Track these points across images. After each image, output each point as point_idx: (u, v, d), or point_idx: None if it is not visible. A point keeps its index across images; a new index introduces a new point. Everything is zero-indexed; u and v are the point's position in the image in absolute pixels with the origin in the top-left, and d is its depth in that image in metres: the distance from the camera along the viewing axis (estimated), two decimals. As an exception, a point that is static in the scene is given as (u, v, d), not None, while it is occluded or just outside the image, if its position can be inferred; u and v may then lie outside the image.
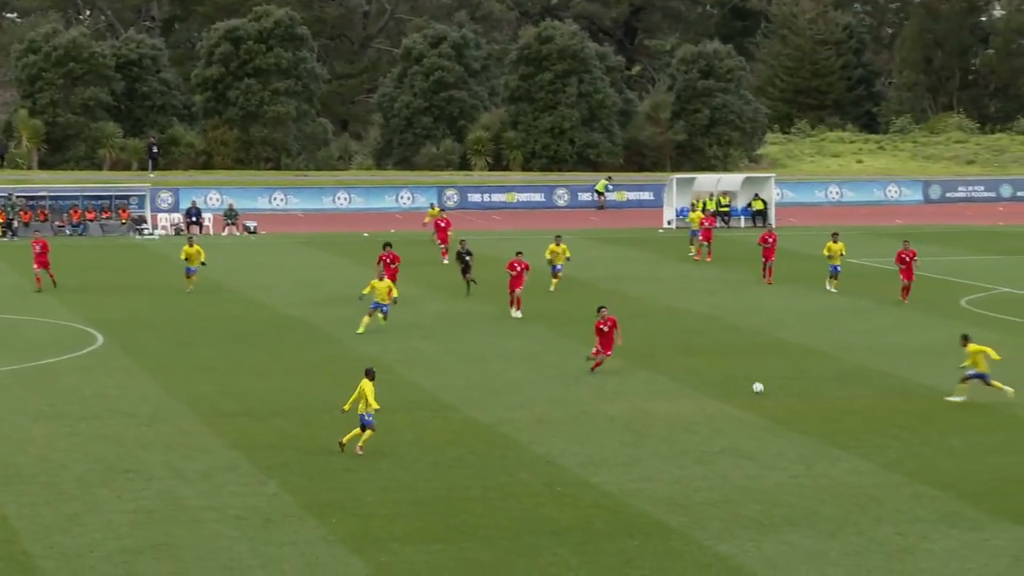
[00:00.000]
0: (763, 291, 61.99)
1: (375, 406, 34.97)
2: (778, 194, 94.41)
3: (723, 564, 28.00)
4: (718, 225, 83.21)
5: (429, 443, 36.74)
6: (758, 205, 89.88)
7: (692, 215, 76.65)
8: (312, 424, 38.55)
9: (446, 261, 68.31)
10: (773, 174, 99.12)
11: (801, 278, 64.99)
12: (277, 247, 77.97)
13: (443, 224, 70.10)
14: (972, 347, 41.04)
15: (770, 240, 63.19)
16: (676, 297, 60.07)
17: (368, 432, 35.02)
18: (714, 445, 36.40)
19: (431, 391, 42.53)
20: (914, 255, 58.53)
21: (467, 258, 59.38)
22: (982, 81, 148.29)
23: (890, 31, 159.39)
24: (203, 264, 60.49)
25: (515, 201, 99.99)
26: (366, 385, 35.06)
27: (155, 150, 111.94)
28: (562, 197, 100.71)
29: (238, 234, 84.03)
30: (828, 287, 61.32)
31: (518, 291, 54.28)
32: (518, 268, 54.38)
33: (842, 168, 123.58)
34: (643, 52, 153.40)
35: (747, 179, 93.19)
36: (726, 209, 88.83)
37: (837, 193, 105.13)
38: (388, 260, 56.59)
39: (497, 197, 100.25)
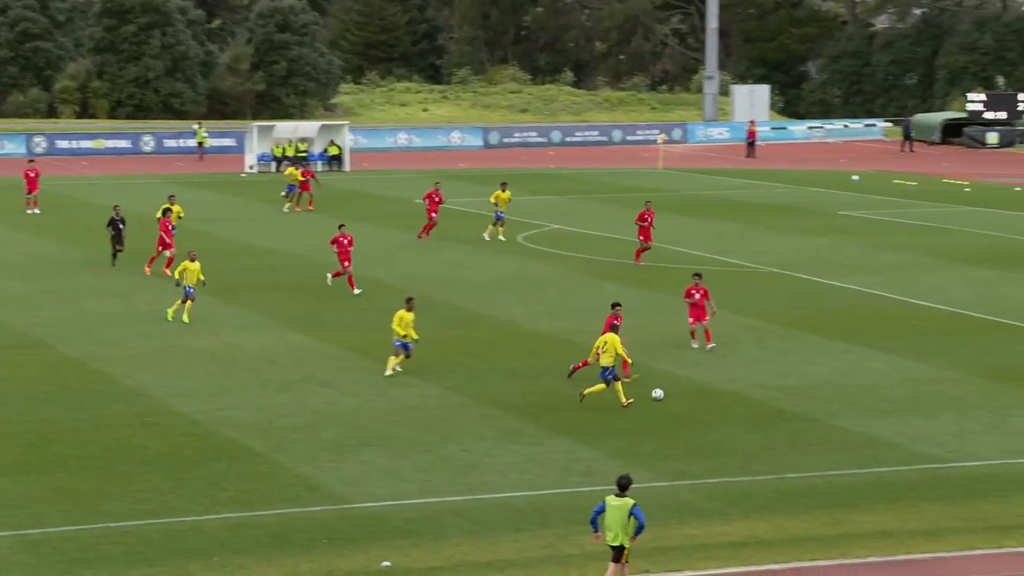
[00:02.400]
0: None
1: (627, 359, 34.01)
2: (352, 140, 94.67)
3: (304, 484, 28.16)
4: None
5: (22, 379, 35.75)
6: (334, 151, 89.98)
7: (291, 170, 72.29)
8: (-95, 364, 37.05)
9: (37, 211, 65.66)
10: (347, 122, 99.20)
11: (377, 218, 65.45)
12: None
13: (32, 175, 67.01)
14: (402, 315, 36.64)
15: (437, 199, 60.33)
16: (261, 237, 59.71)
17: (619, 383, 33.49)
18: (295, 374, 36.49)
19: (23, 329, 41.32)
20: (653, 216, 54.34)
21: (120, 226, 53.05)
22: (533, 36, 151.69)
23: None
24: None
25: (102, 147, 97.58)
26: (612, 338, 33.38)
27: None
28: (148, 144, 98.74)
29: None
30: (485, 235, 58.97)
31: (350, 268, 47.70)
32: (344, 242, 47.80)
33: (410, 116, 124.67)
34: (223, 7, 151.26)
35: (323, 127, 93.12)
36: (304, 155, 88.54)
37: (406, 139, 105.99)
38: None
39: (85, 144, 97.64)
